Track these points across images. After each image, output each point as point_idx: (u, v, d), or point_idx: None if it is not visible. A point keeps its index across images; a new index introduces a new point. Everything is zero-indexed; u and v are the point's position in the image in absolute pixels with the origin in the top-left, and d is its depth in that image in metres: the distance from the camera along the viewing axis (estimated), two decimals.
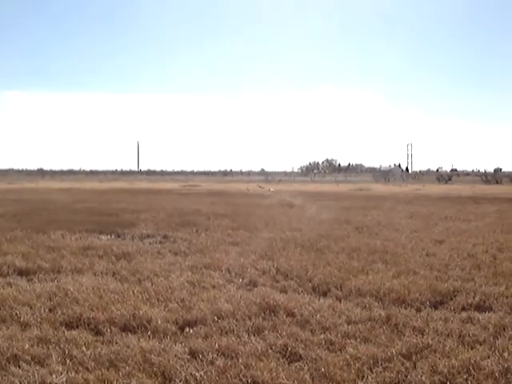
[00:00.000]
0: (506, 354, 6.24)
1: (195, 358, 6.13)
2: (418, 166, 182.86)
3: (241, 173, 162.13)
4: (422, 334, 6.99)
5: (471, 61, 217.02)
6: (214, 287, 9.49)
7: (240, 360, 6.00)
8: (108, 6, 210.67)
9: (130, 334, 6.94)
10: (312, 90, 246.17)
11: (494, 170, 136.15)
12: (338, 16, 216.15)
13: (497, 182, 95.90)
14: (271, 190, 54.47)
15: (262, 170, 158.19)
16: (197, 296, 8.78)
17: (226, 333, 7.01)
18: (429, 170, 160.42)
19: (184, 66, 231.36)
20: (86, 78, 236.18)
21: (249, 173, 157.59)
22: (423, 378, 5.58)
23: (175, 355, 6.18)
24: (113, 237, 16.08)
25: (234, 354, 6.19)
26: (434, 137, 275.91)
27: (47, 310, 7.98)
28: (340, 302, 8.63)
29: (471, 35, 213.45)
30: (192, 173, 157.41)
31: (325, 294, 9.22)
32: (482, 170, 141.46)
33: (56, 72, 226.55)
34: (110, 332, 7.02)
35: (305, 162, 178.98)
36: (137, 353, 6.19)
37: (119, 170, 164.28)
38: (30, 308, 8.07)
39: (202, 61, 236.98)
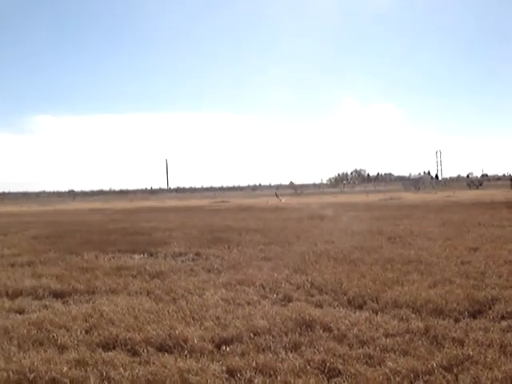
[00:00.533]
0: None
1: (233, 377, 6.09)
2: (447, 173, 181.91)
3: (270, 187, 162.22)
4: (462, 345, 6.86)
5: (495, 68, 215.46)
6: (248, 304, 9.44)
7: (278, 377, 5.94)
8: (136, 27, 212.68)
9: (166, 354, 6.92)
10: (337, 104, 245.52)
11: None
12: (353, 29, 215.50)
13: None
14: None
15: (291, 182, 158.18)
16: (232, 313, 8.74)
17: (263, 350, 6.96)
18: (459, 176, 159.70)
19: (209, 85, 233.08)
20: (114, 100, 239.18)
21: (278, 186, 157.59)
22: None
23: (213, 374, 6.14)
24: (145, 256, 16.10)
25: (271, 372, 6.14)
26: (463, 142, 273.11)
27: (83, 332, 7.99)
28: (376, 314, 8.52)
29: (486, 43, 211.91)
30: (221, 188, 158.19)
31: (361, 307, 9.12)
32: None
33: (81, 96, 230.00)
34: (147, 352, 7.00)
35: (334, 173, 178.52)
36: (174, 373, 6.16)
37: (149, 188, 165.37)
38: (67, 330, 8.09)
39: (228, 79, 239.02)
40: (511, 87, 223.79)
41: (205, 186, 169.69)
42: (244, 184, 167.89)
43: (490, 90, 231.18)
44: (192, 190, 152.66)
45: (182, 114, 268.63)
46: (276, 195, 66.84)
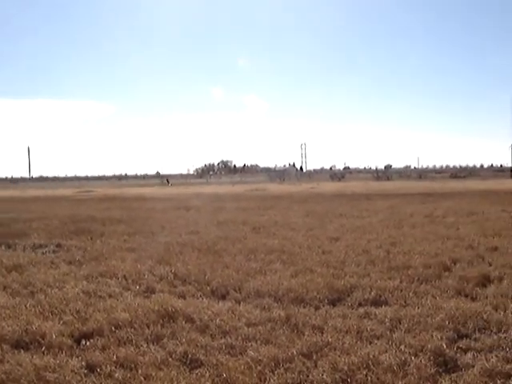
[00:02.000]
0: (402, 347, 6.39)
1: (92, 372, 5.92)
2: (312, 165, 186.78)
3: (136, 176, 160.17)
4: (322, 332, 7.03)
5: (362, 65, 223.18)
6: (110, 296, 9.24)
7: (139, 371, 5.83)
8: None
9: (22, 351, 6.61)
10: (205, 92, 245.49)
11: (385, 167, 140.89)
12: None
13: (387, 179, 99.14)
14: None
15: (158, 173, 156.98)
16: (93, 306, 8.50)
17: (124, 343, 6.81)
18: (322, 168, 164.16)
19: (76, 72, 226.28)
20: None
21: (144, 176, 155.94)
22: (324, 377, 5.61)
23: (71, 370, 5.93)
24: (3, 248, 15.36)
25: (133, 365, 6.02)
26: (326, 136, 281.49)
27: None
28: (239, 304, 8.59)
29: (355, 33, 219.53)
30: (86, 178, 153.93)
31: (224, 297, 9.16)
32: (373, 168, 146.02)
33: None
34: (1, 350, 6.66)
35: (200, 164, 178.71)
36: (30, 371, 5.89)
37: (9, 177, 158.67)
38: None
39: (94, 66, 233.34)
40: (374, 85, 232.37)
41: (69, 175, 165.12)
42: (110, 174, 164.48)
43: (351, 82, 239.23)
44: (55, 180, 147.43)
45: (45, 101, 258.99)
46: (167, 181, 67.09)
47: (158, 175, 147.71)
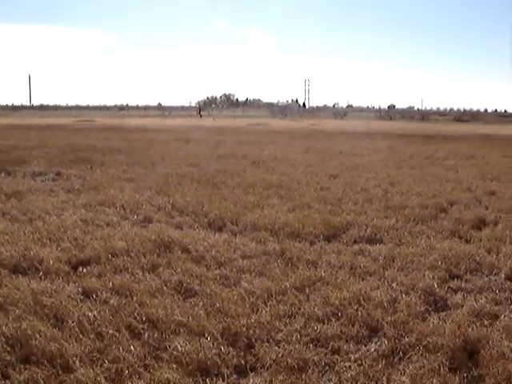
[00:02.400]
0: (394, 285, 6.48)
1: (88, 298, 6.00)
2: (315, 102, 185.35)
3: (137, 107, 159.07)
4: (315, 267, 7.12)
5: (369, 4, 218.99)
6: (108, 225, 9.31)
7: (134, 298, 5.91)
8: None
9: (20, 276, 6.67)
10: (208, 25, 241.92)
11: (388, 107, 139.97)
12: None
13: (390, 119, 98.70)
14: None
15: (160, 104, 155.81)
16: (90, 234, 8.59)
17: (120, 271, 6.90)
18: (325, 105, 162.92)
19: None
20: None
21: (145, 107, 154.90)
22: (316, 310, 5.70)
23: (68, 296, 6.01)
24: (2, 175, 15.36)
25: (128, 293, 6.10)
26: (330, 73, 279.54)
27: None
28: (235, 236, 8.67)
29: None
30: (87, 107, 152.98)
31: (220, 230, 9.23)
32: (376, 107, 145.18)
33: None
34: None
35: (202, 97, 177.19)
36: (27, 295, 5.96)
37: (10, 104, 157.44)
38: None
39: None
40: (381, 25, 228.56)
41: (70, 105, 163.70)
42: (111, 104, 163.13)
43: (359, 27, 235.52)
44: (56, 108, 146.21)
45: (47, 28, 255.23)
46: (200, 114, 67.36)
47: (159, 107, 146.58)
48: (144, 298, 5.90)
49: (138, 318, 5.40)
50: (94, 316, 5.41)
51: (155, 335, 5.04)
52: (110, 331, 5.06)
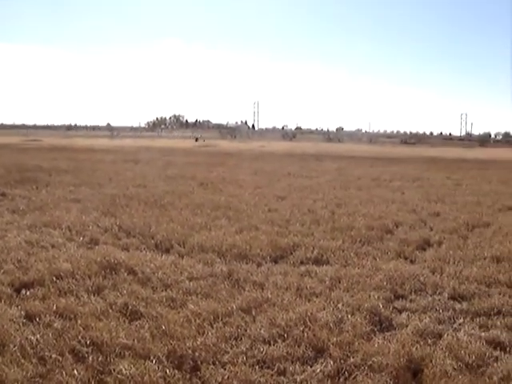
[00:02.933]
0: (340, 305, 6.52)
1: (31, 322, 5.87)
2: (264, 124, 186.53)
3: (86, 127, 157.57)
4: (262, 289, 7.12)
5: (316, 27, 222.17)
6: (53, 246, 9.15)
7: (79, 321, 5.82)
8: None
9: None
10: (158, 44, 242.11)
11: (336, 129, 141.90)
12: None
13: (339, 141, 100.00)
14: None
15: (108, 124, 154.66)
16: (35, 256, 8.42)
17: (65, 293, 6.78)
18: (274, 127, 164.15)
19: (28, 16, 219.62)
20: None
21: (94, 127, 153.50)
22: (262, 331, 5.69)
23: (10, 319, 5.86)
24: None
25: (72, 316, 5.99)
26: (279, 96, 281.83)
27: None
28: (182, 258, 8.62)
29: None
30: (34, 127, 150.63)
31: (167, 251, 9.17)
32: (325, 129, 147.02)
33: None
34: None
35: (152, 118, 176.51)
36: None
37: None
38: None
39: (47, 11, 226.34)
40: (330, 49, 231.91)
41: (17, 123, 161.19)
42: (58, 123, 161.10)
43: (309, 47, 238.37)
44: (2, 127, 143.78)
45: None
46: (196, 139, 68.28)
47: (108, 127, 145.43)
48: (89, 321, 5.81)
49: (82, 341, 5.31)
50: (37, 340, 5.29)
51: (99, 359, 4.96)
52: (54, 355, 4.97)
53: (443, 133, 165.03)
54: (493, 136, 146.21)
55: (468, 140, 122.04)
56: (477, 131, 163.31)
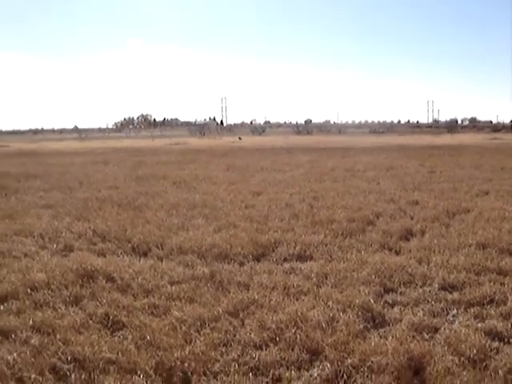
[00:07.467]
0: (330, 303, 6.29)
1: (7, 339, 5.51)
2: (232, 120, 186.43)
3: (53, 131, 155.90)
4: (247, 289, 6.87)
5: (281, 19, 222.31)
6: (25, 255, 8.78)
7: (58, 336, 5.48)
8: None
9: None
10: (120, 46, 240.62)
11: (305, 122, 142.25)
12: None
13: (308, 133, 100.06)
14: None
15: (76, 127, 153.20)
16: (7, 267, 8.04)
17: (41, 306, 6.43)
18: (243, 122, 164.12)
19: None
20: None
21: (61, 131, 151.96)
22: (252, 336, 5.43)
23: None
24: None
25: (50, 330, 5.65)
26: (247, 90, 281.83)
27: None
28: (161, 261, 8.31)
29: None
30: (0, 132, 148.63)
31: (145, 255, 8.87)
32: (293, 122, 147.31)
33: None
34: None
35: (119, 118, 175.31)
36: None
37: None
38: None
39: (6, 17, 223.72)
40: (298, 40, 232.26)
41: None
42: (25, 128, 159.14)
43: (275, 40, 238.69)
44: None
45: None
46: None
47: (76, 129, 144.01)
48: (68, 335, 5.49)
49: (62, 357, 4.98)
50: (14, 359, 4.94)
51: (83, 376, 4.65)
52: (33, 375, 4.64)
53: (411, 121, 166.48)
54: (460, 122, 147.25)
55: (436, 127, 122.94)
56: (444, 118, 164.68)
